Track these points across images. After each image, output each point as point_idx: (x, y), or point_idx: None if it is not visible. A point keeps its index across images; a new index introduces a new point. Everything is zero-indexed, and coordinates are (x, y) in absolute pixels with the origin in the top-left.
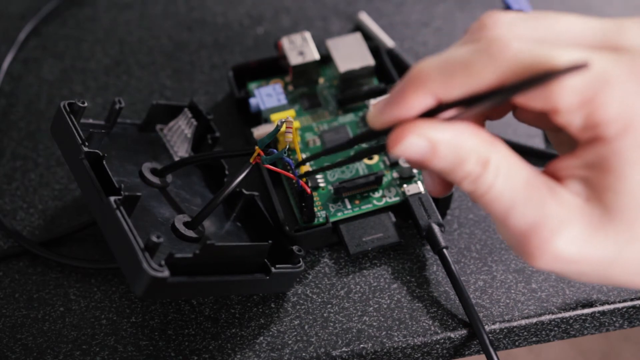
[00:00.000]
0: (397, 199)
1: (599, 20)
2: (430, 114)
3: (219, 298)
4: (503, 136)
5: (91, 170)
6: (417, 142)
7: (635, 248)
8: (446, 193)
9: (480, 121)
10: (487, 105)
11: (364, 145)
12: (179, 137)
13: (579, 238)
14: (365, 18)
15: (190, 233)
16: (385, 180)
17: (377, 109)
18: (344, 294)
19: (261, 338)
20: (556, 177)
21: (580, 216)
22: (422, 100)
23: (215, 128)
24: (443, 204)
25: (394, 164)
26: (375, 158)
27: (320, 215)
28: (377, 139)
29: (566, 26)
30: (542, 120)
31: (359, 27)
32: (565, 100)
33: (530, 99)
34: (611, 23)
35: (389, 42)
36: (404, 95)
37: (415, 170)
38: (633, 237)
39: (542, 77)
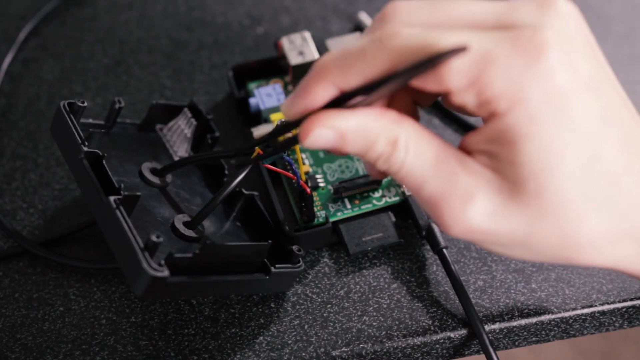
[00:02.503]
0: (396, 198)
1: (494, 3)
2: (337, 102)
3: (219, 298)
4: None
5: (91, 170)
6: (325, 133)
7: (548, 223)
8: (385, 176)
9: (410, 108)
10: (386, 91)
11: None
12: (178, 136)
13: (489, 209)
14: (365, 18)
15: (190, 233)
16: (385, 180)
17: (287, 101)
18: (344, 293)
19: (261, 338)
20: (467, 153)
21: (489, 187)
22: (325, 91)
23: (215, 128)
24: None
25: None
26: None
27: (320, 215)
28: (291, 131)
29: (463, 10)
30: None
31: (359, 27)
32: (454, 81)
33: (424, 83)
34: (504, 4)
35: None
36: (307, 87)
37: None
38: (543, 212)
39: (426, 61)
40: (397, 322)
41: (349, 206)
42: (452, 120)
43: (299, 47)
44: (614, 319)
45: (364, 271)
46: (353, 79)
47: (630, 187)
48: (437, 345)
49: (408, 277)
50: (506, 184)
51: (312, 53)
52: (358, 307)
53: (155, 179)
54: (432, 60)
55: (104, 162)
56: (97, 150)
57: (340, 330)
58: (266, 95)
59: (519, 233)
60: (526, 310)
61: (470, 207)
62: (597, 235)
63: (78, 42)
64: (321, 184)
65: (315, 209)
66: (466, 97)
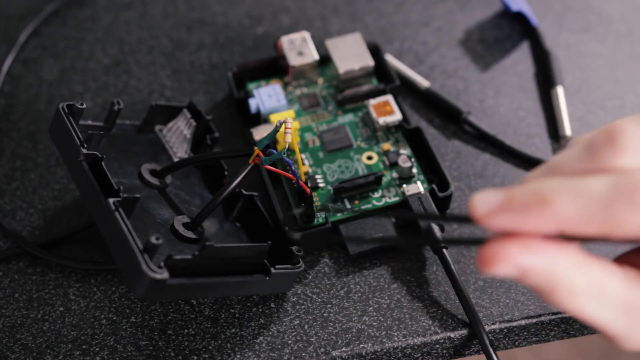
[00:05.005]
0: (396, 199)
1: None
2: None
3: (219, 298)
4: (503, 136)
5: (90, 172)
6: (506, 269)
7: None
8: None
9: None
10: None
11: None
12: (178, 137)
13: None
14: (391, 59)
15: (189, 234)
16: (384, 180)
17: (489, 205)
18: (344, 294)
19: (261, 338)
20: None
21: None
22: (547, 226)
23: (214, 128)
24: (443, 204)
25: (394, 164)
26: (375, 158)
27: (320, 215)
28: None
29: None
30: None
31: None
32: None
33: None
34: None
35: (423, 82)
36: (527, 213)
37: (414, 170)
38: None
39: None
40: (397, 322)
41: (348, 206)
42: (453, 122)
43: (298, 47)
44: None
45: (364, 271)
46: (591, 231)
47: None
48: (437, 346)
49: (408, 277)
50: None
51: (312, 53)
52: (358, 307)
53: (154, 180)
54: None
55: (103, 163)
56: (96, 152)
57: (341, 330)
58: (266, 96)
59: None
60: (526, 310)
61: None
62: None
63: (78, 42)
64: (321, 185)
65: (315, 209)
66: None
